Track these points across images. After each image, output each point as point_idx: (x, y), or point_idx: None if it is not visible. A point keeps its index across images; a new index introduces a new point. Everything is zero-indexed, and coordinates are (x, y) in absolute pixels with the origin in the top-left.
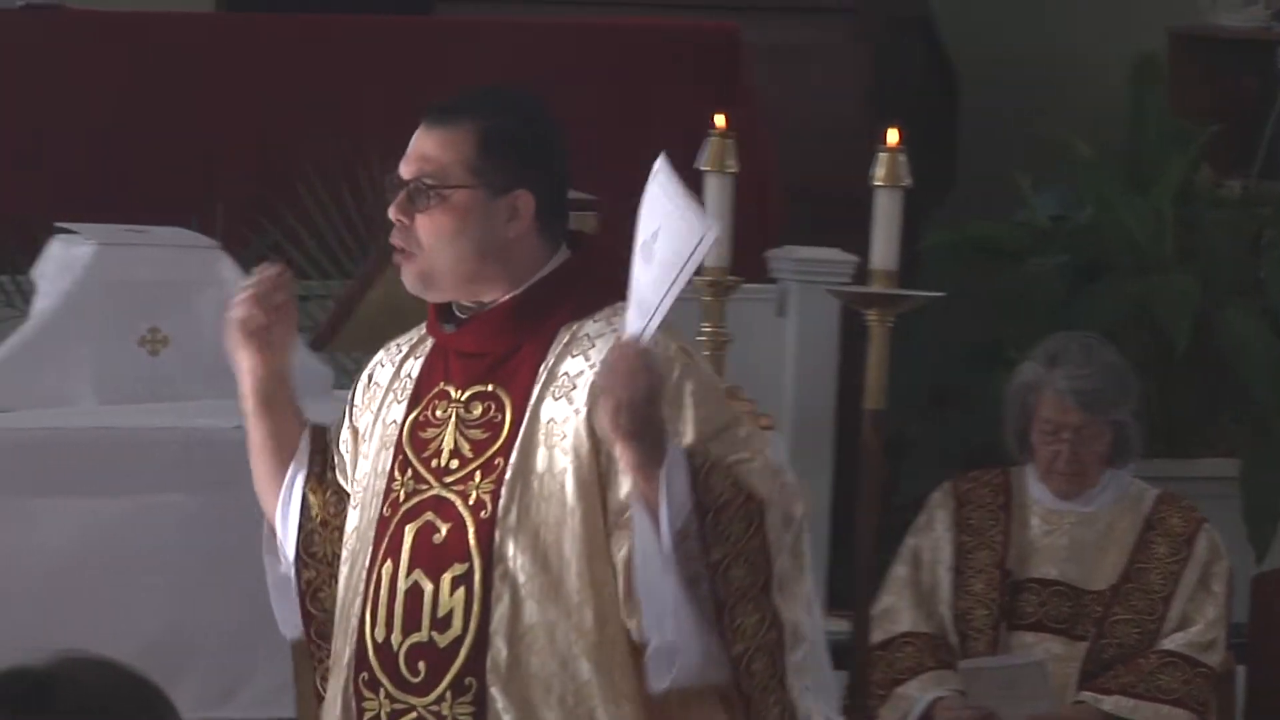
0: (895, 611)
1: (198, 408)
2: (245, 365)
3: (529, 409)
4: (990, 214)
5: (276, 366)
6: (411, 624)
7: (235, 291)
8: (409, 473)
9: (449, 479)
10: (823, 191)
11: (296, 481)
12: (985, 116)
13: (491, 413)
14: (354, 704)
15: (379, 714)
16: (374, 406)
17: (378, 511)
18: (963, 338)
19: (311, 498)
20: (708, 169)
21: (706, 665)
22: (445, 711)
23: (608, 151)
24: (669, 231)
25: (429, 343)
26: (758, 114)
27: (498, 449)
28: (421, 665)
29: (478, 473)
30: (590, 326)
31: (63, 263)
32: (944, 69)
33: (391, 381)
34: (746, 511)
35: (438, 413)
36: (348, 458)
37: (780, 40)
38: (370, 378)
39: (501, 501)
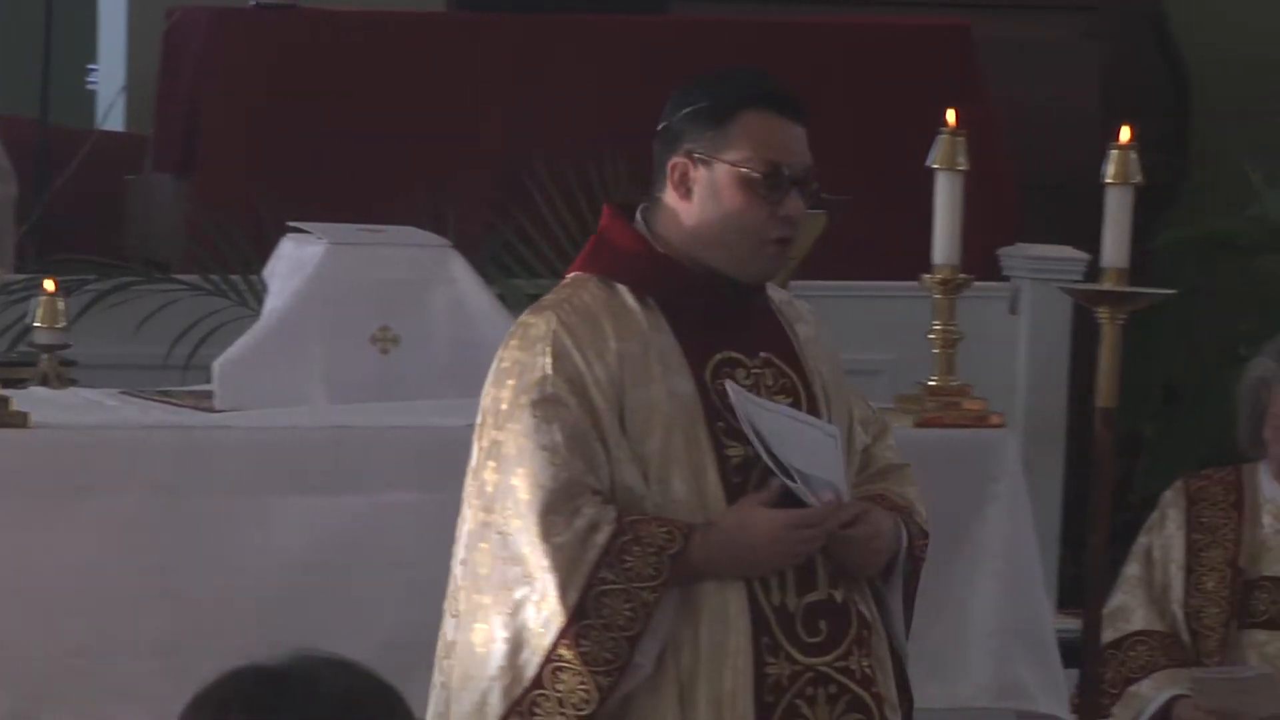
0: (1127, 610)
1: (430, 407)
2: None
3: (808, 372)
4: (1223, 210)
5: None
6: (805, 583)
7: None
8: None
9: None
10: (1055, 189)
11: None
12: (1218, 112)
13: (782, 377)
14: (752, 669)
15: (780, 678)
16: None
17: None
18: (1197, 335)
19: None
20: (938, 166)
21: None
22: (854, 666)
23: (839, 150)
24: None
25: (648, 313)
26: (990, 112)
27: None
28: (822, 624)
29: None
30: (776, 298)
31: (294, 262)
32: (1176, 65)
33: (642, 356)
34: (925, 548)
35: (738, 379)
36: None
37: (1012, 37)
38: (601, 367)
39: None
